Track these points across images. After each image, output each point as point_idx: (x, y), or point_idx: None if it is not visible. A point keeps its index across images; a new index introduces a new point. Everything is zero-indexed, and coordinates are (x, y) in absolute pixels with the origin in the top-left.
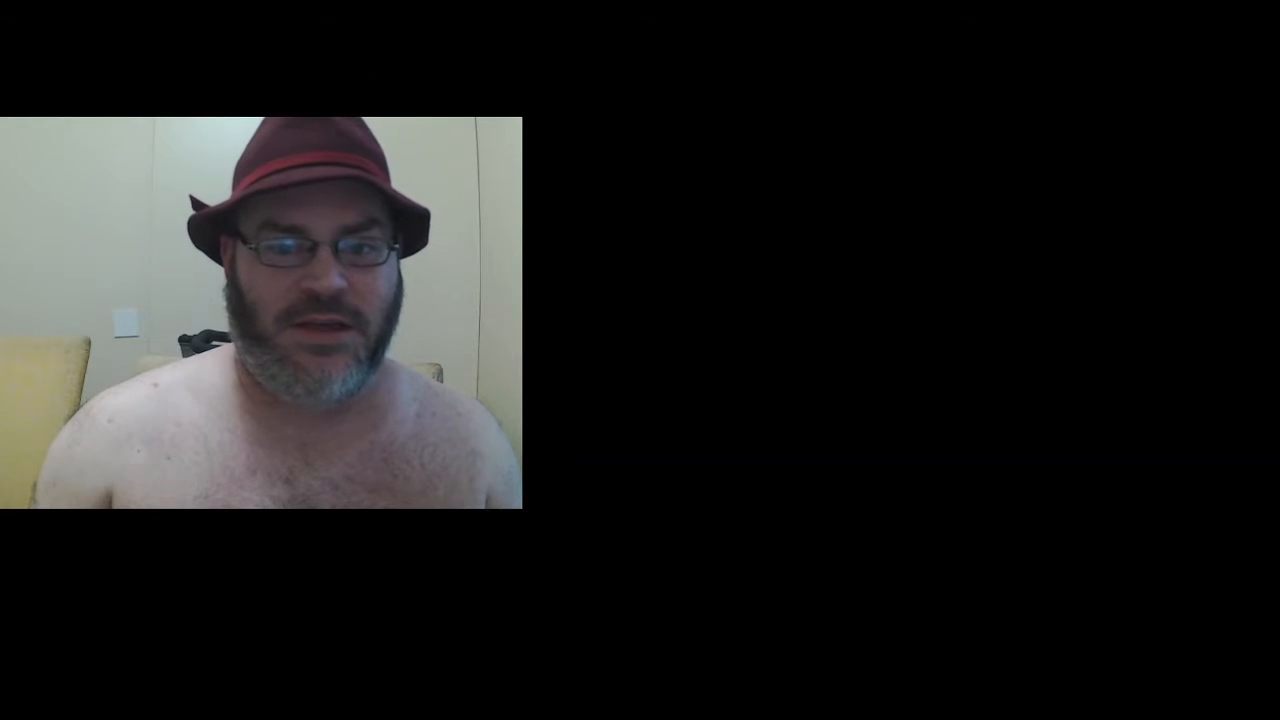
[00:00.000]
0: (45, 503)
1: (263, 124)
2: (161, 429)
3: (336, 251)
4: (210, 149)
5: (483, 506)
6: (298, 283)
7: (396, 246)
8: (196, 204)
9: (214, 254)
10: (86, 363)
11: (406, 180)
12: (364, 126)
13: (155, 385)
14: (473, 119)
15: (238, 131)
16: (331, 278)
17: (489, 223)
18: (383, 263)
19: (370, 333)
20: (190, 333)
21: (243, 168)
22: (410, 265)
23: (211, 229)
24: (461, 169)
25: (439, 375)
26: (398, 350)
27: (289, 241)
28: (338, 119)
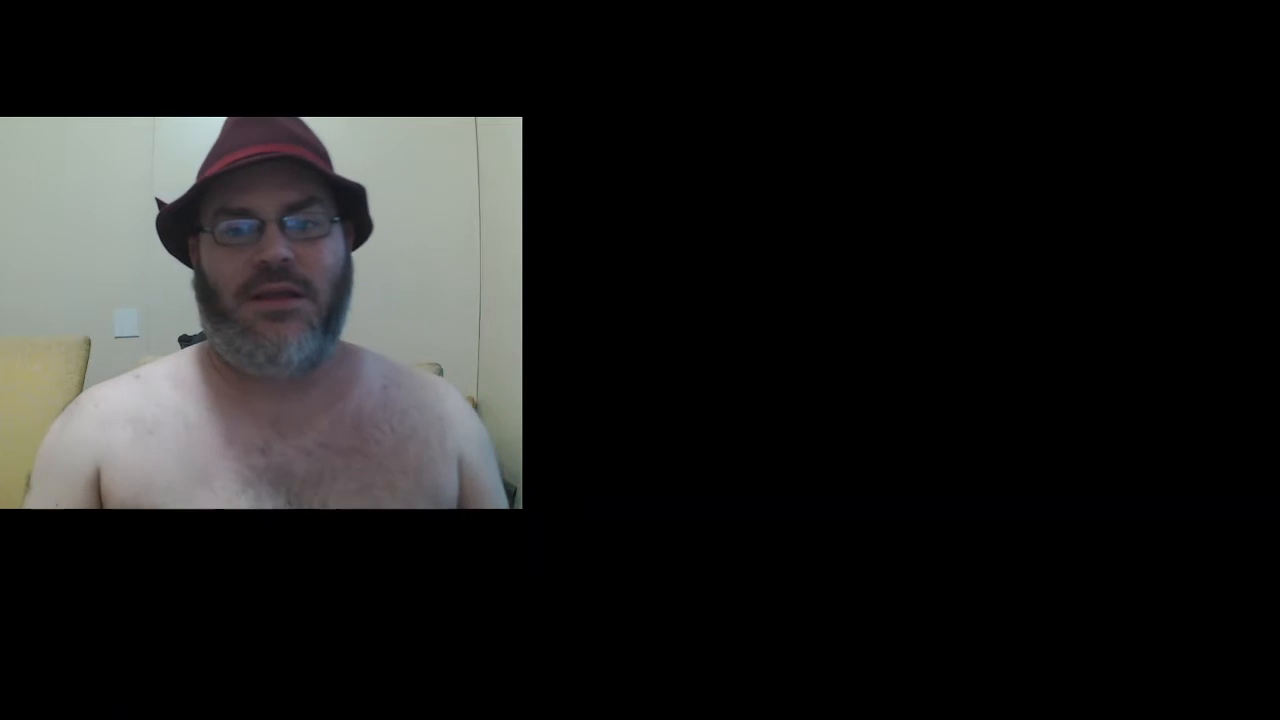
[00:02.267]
0: (39, 482)
1: (219, 133)
2: (144, 410)
3: (283, 227)
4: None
5: (455, 468)
6: (251, 258)
7: (338, 220)
8: (161, 204)
9: (184, 256)
10: (86, 363)
11: (407, 180)
12: (305, 126)
13: (138, 377)
14: (473, 119)
15: None
16: (278, 248)
17: (489, 223)
18: (326, 235)
19: (321, 300)
20: (190, 333)
21: (201, 170)
22: (410, 265)
23: (179, 229)
24: (461, 169)
25: (438, 375)
26: (396, 350)
27: (241, 223)
28: (280, 119)
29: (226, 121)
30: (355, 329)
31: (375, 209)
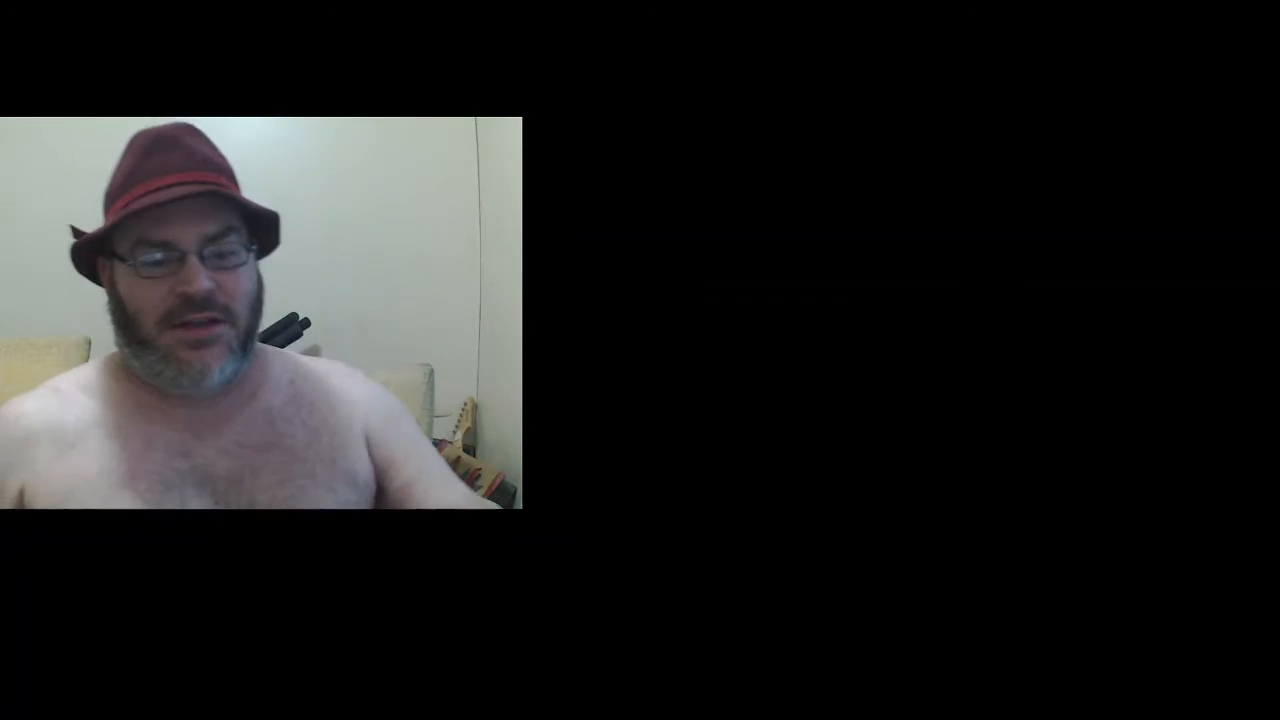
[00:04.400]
0: None
1: (124, 154)
2: (64, 424)
3: (202, 258)
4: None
5: (364, 447)
6: (172, 289)
7: (254, 248)
8: (77, 233)
9: (93, 276)
10: (86, 363)
11: (406, 180)
12: (212, 145)
13: (56, 390)
14: (473, 119)
15: (237, 132)
16: (201, 281)
17: (489, 223)
18: (243, 264)
19: (240, 325)
20: None
21: (113, 194)
22: (410, 265)
23: (88, 253)
24: (461, 169)
25: (430, 376)
26: (397, 350)
27: (160, 255)
28: (190, 140)
29: (134, 143)
30: (357, 328)
31: (376, 208)
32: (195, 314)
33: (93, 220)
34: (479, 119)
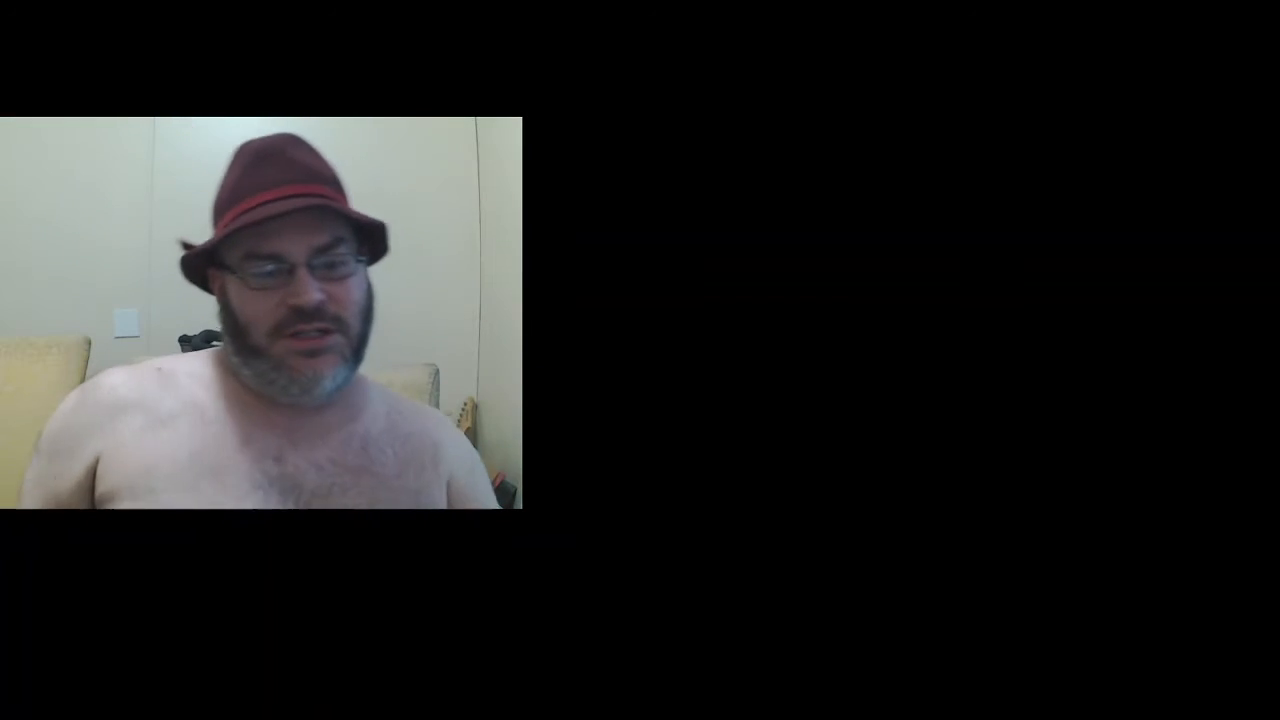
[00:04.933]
0: (43, 457)
1: (230, 165)
2: (160, 402)
3: (312, 269)
4: (210, 150)
5: (444, 492)
6: (283, 300)
7: (363, 259)
8: (186, 246)
9: (204, 285)
10: (86, 363)
11: (406, 180)
12: (317, 155)
13: (159, 370)
14: (473, 119)
15: (238, 131)
16: (311, 293)
17: (489, 223)
18: (353, 273)
19: (351, 334)
20: (190, 333)
21: (220, 207)
22: (411, 265)
23: (199, 264)
24: (461, 169)
25: (435, 376)
26: (397, 350)
27: (270, 267)
28: (293, 152)
29: (239, 156)
30: None
31: (376, 208)
32: (306, 324)
33: (92, 224)
34: (479, 119)
